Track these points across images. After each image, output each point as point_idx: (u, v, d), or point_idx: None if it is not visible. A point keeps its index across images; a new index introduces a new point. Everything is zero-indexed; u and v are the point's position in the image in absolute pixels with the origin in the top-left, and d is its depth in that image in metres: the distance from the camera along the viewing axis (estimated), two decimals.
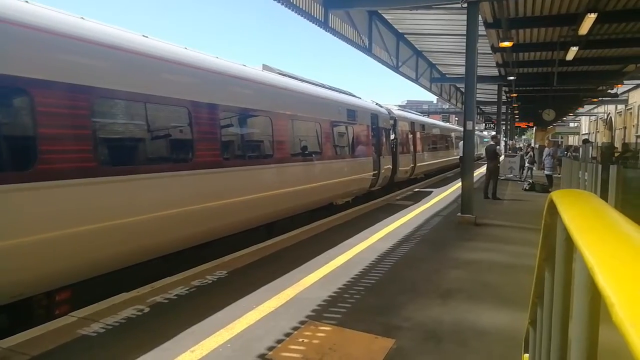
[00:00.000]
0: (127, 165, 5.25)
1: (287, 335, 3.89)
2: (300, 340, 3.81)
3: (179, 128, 6.17)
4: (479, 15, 10.14)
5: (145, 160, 5.62)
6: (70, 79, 4.51)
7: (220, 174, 6.70)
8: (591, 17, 10.92)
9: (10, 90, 4.07)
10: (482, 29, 11.65)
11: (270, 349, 3.63)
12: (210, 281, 5.40)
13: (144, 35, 5.91)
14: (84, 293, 4.93)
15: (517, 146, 27.61)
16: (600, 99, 29.52)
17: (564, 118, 44.85)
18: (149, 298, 4.77)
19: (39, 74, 4.21)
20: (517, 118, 38.23)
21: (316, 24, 11.67)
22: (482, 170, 16.97)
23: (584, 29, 11.74)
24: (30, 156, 4.17)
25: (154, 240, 5.64)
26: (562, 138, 44.21)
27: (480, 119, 49.01)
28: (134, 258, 5.48)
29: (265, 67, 9.39)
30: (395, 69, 17.89)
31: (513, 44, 13.29)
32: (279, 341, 3.77)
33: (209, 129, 6.48)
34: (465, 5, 9.56)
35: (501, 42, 12.96)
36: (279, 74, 9.50)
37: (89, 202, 4.69)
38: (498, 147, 13.70)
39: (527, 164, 19.95)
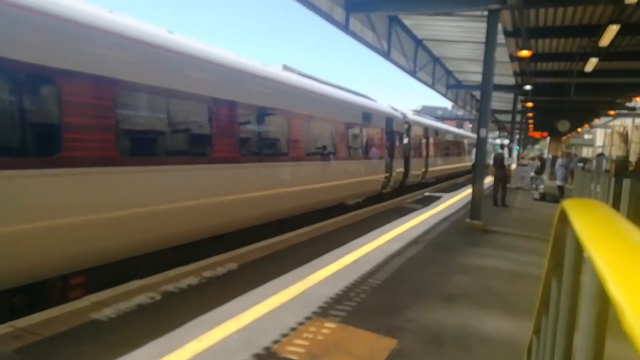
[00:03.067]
0: (146, 157, 5.35)
1: (293, 330, 3.95)
2: (305, 335, 3.86)
3: (198, 123, 6.26)
4: (499, 24, 10.10)
5: (164, 153, 5.72)
6: (96, 70, 4.61)
7: (237, 169, 6.80)
8: (613, 29, 10.79)
9: (38, 79, 4.17)
10: (501, 38, 11.59)
11: (276, 342, 3.70)
12: (221, 273, 5.49)
13: (169, 31, 6.00)
14: (98, 278, 5.05)
15: (536, 156, 27.11)
16: (617, 111, 29.13)
17: (579, 130, 44.30)
18: (161, 286, 4.87)
19: (66, 64, 4.31)
20: (531, 127, 37.88)
21: (337, 27, 11.69)
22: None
23: (606, 40, 11.61)
24: (54, 143, 4.28)
25: (168, 231, 5.73)
26: (575, 149, 43.68)
27: (494, 127, 48.59)
28: (148, 247, 5.58)
29: (285, 67, 9.46)
30: (413, 74, 17.86)
31: (532, 54, 13.20)
32: (284, 335, 3.83)
33: (227, 125, 6.57)
34: (486, 13, 9.54)
35: (520, 51, 12.89)
36: (299, 74, 9.58)
37: (109, 191, 4.80)
38: (504, 155, 13.83)
39: (532, 174, 19.77)
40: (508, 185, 14.45)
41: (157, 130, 5.64)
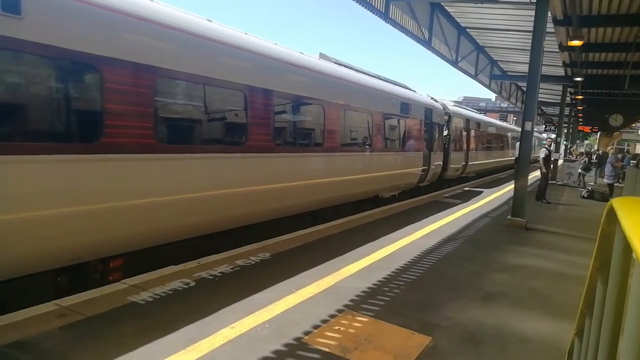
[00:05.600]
0: (183, 144, 5.45)
1: (324, 322, 3.94)
2: (337, 328, 3.84)
3: (234, 112, 6.32)
4: (548, 12, 9.64)
5: (200, 141, 5.81)
6: (136, 57, 4.70)
7: (271, 159, 6.83)
8: None
9: (80, 66, 4.29)
10: (550, 26, 11.07)
11: (307, 333, 3.70)
12: (254, 262, 5.55)
13: (207, 19, 6.06)
14: (135, 262, 5.21)
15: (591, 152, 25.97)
16: None
17: (633, 125, 42.09)
18: (195, 273, 4.98)
19: (108, 51, 4.41)
20: (580, 121, 36.32)
21: (376, 15, 11.51)
22: (538, 173, 16.39)
23: None
24: (96, 130, 4.41)
25: (202, 219, 5.84)
26: (628, 145, 41.57)
27: (541, 120, 46.84)
28: (184, 233, 5.70)
29: (322, 56, 9.40)
30: (454, 63, 17.39)
31: (583, 43, 12.55)
32: (316, 327, 3.83)
33: (263, 114, 6.59)
34: (534, 0, 9.12)
35: (570, 40, 12.26)
36: (335, 63, 9.50)
37: (146, 177, 4.92)
38: (546, 150, 13.63)
39: (580, 170, 18.96)
40: (553, 182, 14.09)
41: (193, 118, 5.73)
